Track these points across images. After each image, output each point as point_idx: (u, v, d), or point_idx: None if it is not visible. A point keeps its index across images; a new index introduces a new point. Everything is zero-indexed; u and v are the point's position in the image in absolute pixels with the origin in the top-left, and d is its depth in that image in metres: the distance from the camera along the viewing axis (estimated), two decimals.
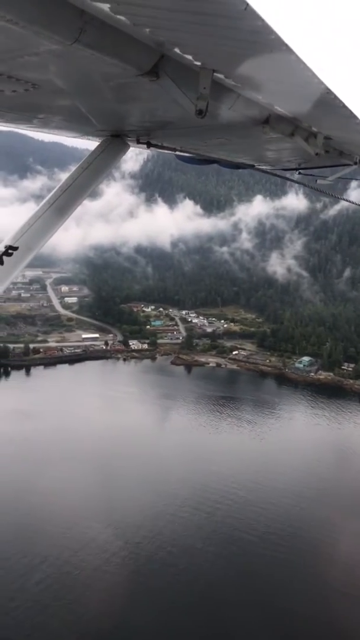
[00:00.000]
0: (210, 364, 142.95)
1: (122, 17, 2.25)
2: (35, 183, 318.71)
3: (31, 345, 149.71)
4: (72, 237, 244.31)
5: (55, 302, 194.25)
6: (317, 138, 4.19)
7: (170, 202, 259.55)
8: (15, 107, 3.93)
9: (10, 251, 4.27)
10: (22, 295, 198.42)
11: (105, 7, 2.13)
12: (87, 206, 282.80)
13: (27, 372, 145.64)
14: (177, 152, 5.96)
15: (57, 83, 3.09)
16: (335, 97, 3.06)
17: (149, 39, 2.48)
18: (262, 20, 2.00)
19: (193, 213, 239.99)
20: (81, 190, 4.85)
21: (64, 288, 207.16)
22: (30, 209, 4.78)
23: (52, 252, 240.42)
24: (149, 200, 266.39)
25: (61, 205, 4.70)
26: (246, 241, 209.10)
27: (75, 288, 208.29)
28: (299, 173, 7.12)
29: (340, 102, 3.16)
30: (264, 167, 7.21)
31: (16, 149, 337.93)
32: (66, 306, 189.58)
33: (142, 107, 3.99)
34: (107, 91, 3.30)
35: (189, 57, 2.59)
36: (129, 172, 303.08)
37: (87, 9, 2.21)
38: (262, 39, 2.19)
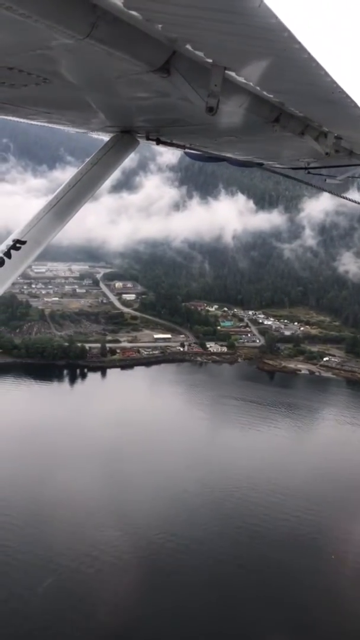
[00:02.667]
0: (302, 371, 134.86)
1: (134, 13, 2.24)
2: (64, 174, 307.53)
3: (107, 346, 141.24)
4: (119, 232, 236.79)
5: (113, 298, 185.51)
6: (327, 137, 4.18)
7: (214, 196, 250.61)
8: (26, 101, 3.89)
9: (18, 245, 4.19)
10: (77, 291, 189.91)
11: (118, 1, 2.12)
12: (126, 199, 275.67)
13: (103, 374, 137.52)
14: (187, 149, 5.79)
15: (68, 78, 3.09)
16: (348, 97, 3.09)
17: (161, 35, 2.46)
18: (276, 18, 2.00)
19: (245, 208, 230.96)
20: (90, 186, 4.78)
21: (118, 284, 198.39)
22: (40, 204, 4.60)
23: (100, 246, 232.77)
24: (192, 193, 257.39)
25: (70, 200, 4.65)
26: (309, 238, 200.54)
27: (129, 284, 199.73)
28: (308, 172, 7.02)
29: (352, 101, 3.19)
30: (272, 166, 7.14)
31: (45, 139, 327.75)
32: (126, 304, 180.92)
33: (152, 103, 3.88)
34: (117, 87, 3.33)
35: (201, 53, 2.58)
36: (167, 165, 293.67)
37: (99, 3, 2.21)
38: (275, 37, 2.18)
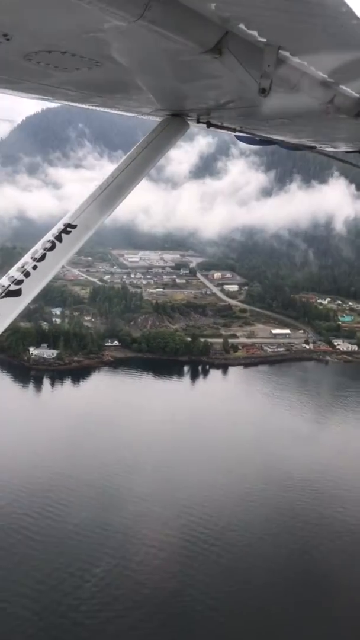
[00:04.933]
0: None
1: None
2: None
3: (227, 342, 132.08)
4: (210, 219, 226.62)
5: (215, 289, 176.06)
6: None
7: (307, 181, 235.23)
8: (78, 85, 3.95)
9: (68, 229, 4.23)
10: (177, 281, 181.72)
11: None
12: (210, 186, 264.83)
13: (225, 371, 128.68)
14: (237, 132, 5.85)
15: (119, 61, 3.09)
16: None
17: (214, 14, 2.41)
18: None
19: (348, 193, 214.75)
20: (139, 170, 4.73)
21: (216, 274, 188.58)
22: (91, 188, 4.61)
23: (191, 234, 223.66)
24: (286, 179, 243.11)
25: (119, 184, 4.61)
26: None
27: (228, 274, 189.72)
28: None
29: None
30: (325, 150, 7.16)
31: (120, 124, 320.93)
32: (229, 295, 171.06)
33: (203, 85, 3.88)
34: (169, 69, 3.31)
35: (254, 33, 2.51)
36: (251, 149, 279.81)
37: None
38: (333, 13, 2.12)
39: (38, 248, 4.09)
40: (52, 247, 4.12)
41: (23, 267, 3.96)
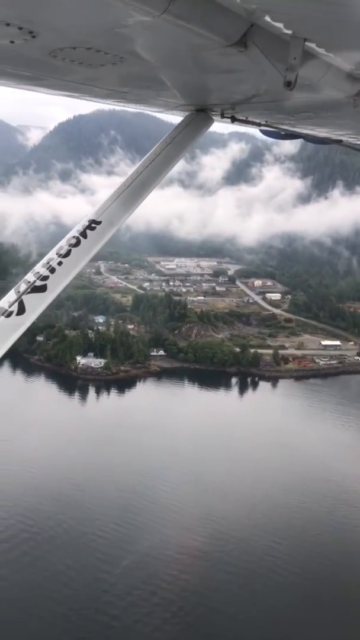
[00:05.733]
0: None
1: None
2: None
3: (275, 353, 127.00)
4: (247, 226, 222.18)
5: (256, 298, 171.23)
6: None
7: (350, 187, 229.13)
8: (102, 81, 3.96)
9: (93, 225, 4.28)
10: (217, 289, 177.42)
11: None
12: (245, 192, 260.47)
13: (274, 384, 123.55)
14: (262, 127, 5.79)
15: (144, 56, 3.07)
16: None
17: (239, 7, 2.38)
18: None
19: None
20: (164, 166, 4.73)
21: (257, 282, 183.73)
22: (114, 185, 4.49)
23: (227, 241, 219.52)
24: (326, 186, 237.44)
25: (144, 180, 4.60)
26: None
27: (268, 282, 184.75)
28: None
29: None
30: (352, 143, 7.01)
31: (150, 130, 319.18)
32: (272, 304, 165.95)
33: (228, 79, 3.87)
34: (193, 63, 3.30)
35: (280, 25, 2.46)
36: (286, 155, 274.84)
37: None
38: None
39: (63, 244, 4.07)
40: (77, 243, 4.09)
41: (48, 263, 3.95)
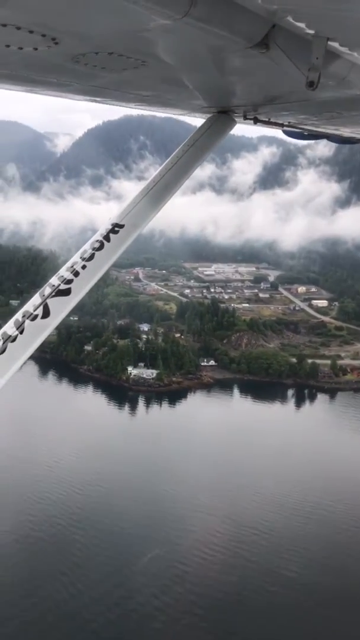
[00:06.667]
0: None
1: None
2: (203, 170, 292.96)
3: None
4: (287, 230, 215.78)
5: (302, 305, 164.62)
6: None
7: None
8: (124, 86, 3.99)
9: (116, 229, 4.29)
10: (260, 295, 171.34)
11: None
12: (280, 196, 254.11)
13: (332, 396, 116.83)
14: (285, 128, 5.84)
15: (165, 59, 3.08)
16: None
17: (261, 8, 2.36)
18: None
19: None
20: (186, 168, 4.73)
21: (301, 289, 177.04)
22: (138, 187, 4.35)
23: (267, 246, 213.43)
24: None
25: (167, 183, 4.60)
26: None
27: (313, 289, 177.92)
28: None
29: None
30: None
31: (180, 134, 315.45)
32: (319, 311, 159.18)
33: (250, 81, 3.88)
34: (215, 66, 3.30)
35: (302, 25, 2.43)
36: (320, 158, 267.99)
37: None
38: None
39: (87, 248, 4.10)
40: (101, 247, 4.12)
41: (72, 266, 3.99)
